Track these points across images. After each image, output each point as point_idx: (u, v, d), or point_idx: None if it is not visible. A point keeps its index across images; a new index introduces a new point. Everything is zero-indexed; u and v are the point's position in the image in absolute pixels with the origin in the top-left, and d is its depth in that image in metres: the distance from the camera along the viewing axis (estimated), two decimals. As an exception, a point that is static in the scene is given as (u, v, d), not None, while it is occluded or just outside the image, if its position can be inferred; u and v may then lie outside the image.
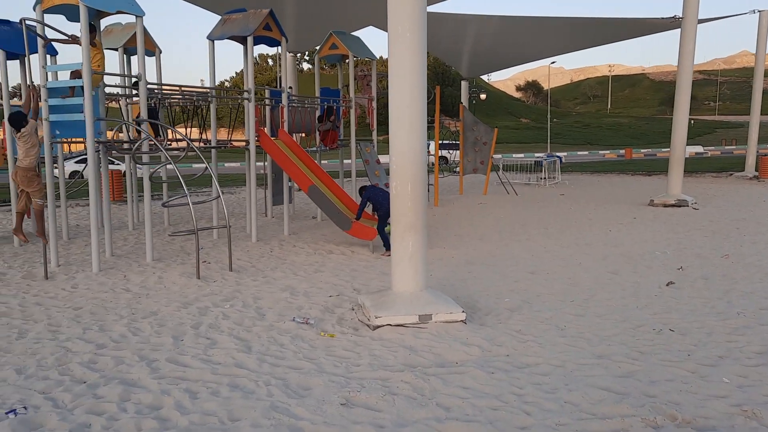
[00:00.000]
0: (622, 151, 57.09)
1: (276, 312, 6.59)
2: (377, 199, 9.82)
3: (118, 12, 8.60)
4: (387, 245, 9.82)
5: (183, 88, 10.55)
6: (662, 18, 16.76)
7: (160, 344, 5.57)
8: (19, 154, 8.39)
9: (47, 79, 8.61)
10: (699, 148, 53.53)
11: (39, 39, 8.54)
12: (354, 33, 14.79)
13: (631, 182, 24.16)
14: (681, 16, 15.85)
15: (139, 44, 8.77)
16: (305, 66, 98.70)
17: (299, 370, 4.96)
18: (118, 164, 25.83)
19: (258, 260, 9.48)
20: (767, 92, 37.27)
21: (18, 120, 8.35)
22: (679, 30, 16.80)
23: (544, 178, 23.15)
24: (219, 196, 9.06)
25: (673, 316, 6.42)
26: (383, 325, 5.96)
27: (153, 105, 10.32)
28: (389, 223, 6.70)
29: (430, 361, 5.16)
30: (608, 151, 60.72)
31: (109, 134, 8.98)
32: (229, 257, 8.74)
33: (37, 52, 8.72)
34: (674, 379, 4.76)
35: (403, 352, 5.32)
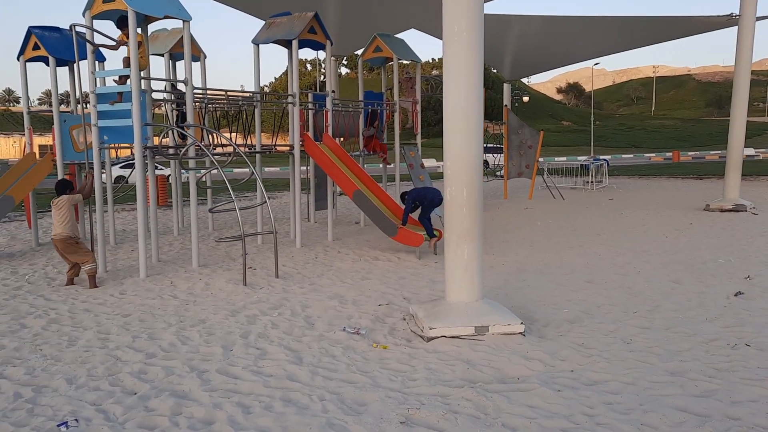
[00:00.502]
0: (668, 154, 55.58)
1: (325, 321, 6.40)
2: (422, 193, 10.04)
3: (166, 17, 8.56)
4: (430, 233, 9.96)
5: (228, 93, 10.49)
6: (717, 16, 16.09)
7: (210, 354, 5.43)
8: (54, 226, 8.00)
9: (96, 85, 8.62)
10: (750, 151, 51.70)
11: (88, 45, 8.57)
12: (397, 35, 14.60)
13: (682, 186, 23.38)
14: (738, 13, 15.19)
15: (186, 49, 8.73)
16: (342, 70, 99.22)
17: (354, 384, 4.74)
18: (161, 169, 26.18)
19: (303, 267, 9.32)
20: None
21: (62, 188, 8.13)
22: (729, 29, 16.18)
23: (591, 182, 22.55)
24: (265, 202, 8.94)
25: (747, 329, 6.00)
26: (438, 337, 5.70)
27: (183, 110, 10.31)
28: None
29: (490, 376, 4.88)
30: (654, 154, 59.18)
31: (156, 140, 8.94)
32: (275, 264, 8.59)
33: (86, 58, 8.75)
34: (758, 399, 4.39)
35: (460, 366, 5.06)
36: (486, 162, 30.16)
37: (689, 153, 59.19)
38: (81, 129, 10.09)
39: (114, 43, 8.55)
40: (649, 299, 7.19)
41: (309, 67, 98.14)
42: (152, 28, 11.22)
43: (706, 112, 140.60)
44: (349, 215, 15.69)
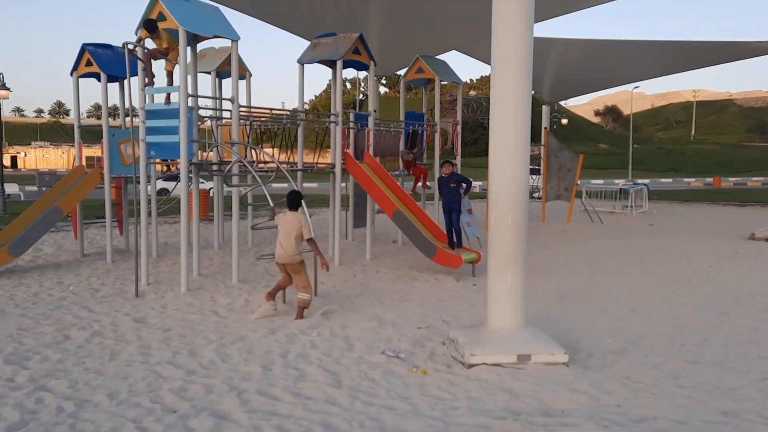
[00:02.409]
0: (709, 179, 54.35)
1: (364, 343, 6.35)
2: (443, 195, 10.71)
3: (215, 36, 8.73)
4: (457, 241, 10.38)
5: (273, 111, 10.63)
6: (761, 42, 15.76)
7: (250, 373, 5.43)
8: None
9: (145, 101, 8.81)
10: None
11: (139, 62, 8.78)
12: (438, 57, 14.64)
13: (725, 213, 22.80)
14: (788, 38, 14.85)
15: (234, 68, 8.87)
16: (381, 89, 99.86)
17: (394, 410, 4.67)
18: (202, 182, 26.57)
19: (342, 285, 9.31)
20: None
21: (295, 200, 7.41)
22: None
23: (631, 207, 22.14)
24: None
25: (802, 368, 5.75)
26: (479, 364, 5.60)
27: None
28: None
29: (533, 407, 4.76)
30: (694, 179, 57.95)
31: (203, 155, 9.11)
32: (314, 282, 8.58)
33: (136, 75, 8.96)
34: (818, 445, 4.19)
35: (502, 396, 4.95)
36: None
37: (730, 179, 57.79)
38: (129, 143, 10.31)
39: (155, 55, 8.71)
40: (697, 332, 6.96)
41: (348, 85, 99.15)
42: (200, 46, 11.46)
43: (748, 138, 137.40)
44: (387, 233, 15.66)
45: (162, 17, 8.34)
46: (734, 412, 4.72)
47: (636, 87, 55.65)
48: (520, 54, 5.53)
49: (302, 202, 7.55)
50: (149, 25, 8.34)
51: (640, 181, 42.30)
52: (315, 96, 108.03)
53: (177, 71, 8.54)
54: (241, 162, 8.71)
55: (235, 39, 8.73)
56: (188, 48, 8.96)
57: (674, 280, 10.03)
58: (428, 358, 5.90)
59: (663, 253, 12.81)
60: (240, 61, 11.72)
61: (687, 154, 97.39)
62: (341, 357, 5.92)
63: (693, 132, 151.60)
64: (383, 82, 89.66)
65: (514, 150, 5.63)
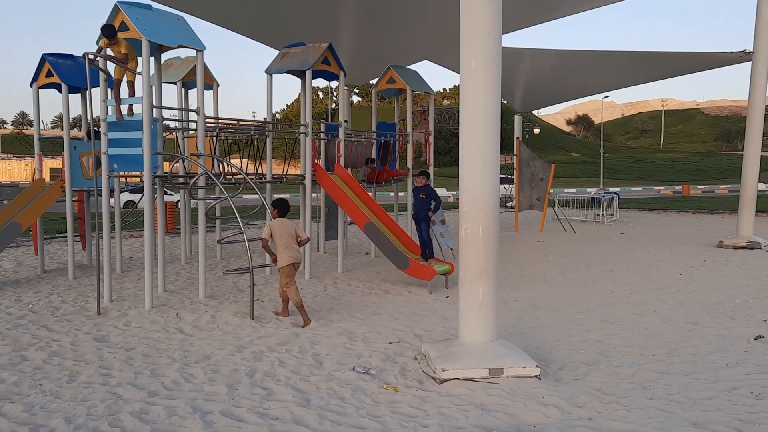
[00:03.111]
0: (678, 187, 55.31)
1: (334, 359, 6.21)
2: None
3: (180, 46, 8.56)
4: (428, 252, 10.37)
5: (240, 122, 10.45)
6: (730, 52, 16.04)
7: (214, 393, 5.25)
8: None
9: (107, 113, 8.60)
10: (761, 186, 51.39)
11: (101, 73, 8.56)
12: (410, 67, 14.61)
13: (694, 221, 23.15)
14: (752, 50, 15.14)
15: (199, 78, 8.70)
16: (354, 98, 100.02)
17: (363, 429, 4.54)
18: (171, 194, 26.17)
19: (312, 299, 9.15)
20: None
21: (286, 207, 7.90)
22: (740, 64, 16.15)
23: (602, 215, 22.35)
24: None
25: (771, 376, 5.76)
26: (451, 379, 5.50)
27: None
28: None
29: (505, 423, 4.67)
30: (663, 187, 58.93)
31: (166, 165, 8.89)
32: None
33: (98, 86, 8.74)
34: (789, 456, 4.16)
35: (474, 412, 4.85)
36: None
37: (699, 186, 58.92)
38: (91, 156, 10.05)
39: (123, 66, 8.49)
40: (667, 341, 6.96)
41: (321, 95, 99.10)
42: (165, 56, 11.26)
43: (715, 146, 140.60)
44: (360, 245, 15.55)
45: (124, 27, 8.15)
46: (703, 423, 4.69)
47: (606, 96, 56.65)
48: (489, 66, 5.48)
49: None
50: (108, 31, 8.11)
51: (611, 189, 42.83)
52: (287, 105, 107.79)
53: (140, 81, 8.32)
54: (207, 174, 8.53)
55: (200, 49, 8.57)
56: (152, 58, 8.78)
57: (645, 288, 10.08)
58: (399, 374, 5.78)
59: (634, 262, 12.90)
60: (207, 71, 11.56)
61: (656, 163, 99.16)
62: (310, 375, 5.77)
63: (662, 141, 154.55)
64: (356, 91, 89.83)
65: (483, 163, 5.57)
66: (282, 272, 7.76)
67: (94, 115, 8.58)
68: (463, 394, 5.23)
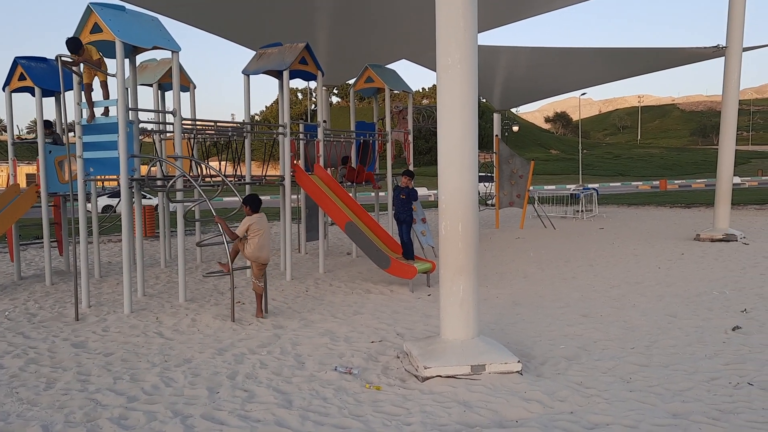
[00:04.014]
0: (656, 183, 55.99)
1: (316, 360, 6.18)
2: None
3: (155, 48, 8.46)
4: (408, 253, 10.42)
5: (218, 123, 10.37)
6: (704, 47, 16.26)
7: (195, 397, 5.19)
8: (248, 248, 7.74)
9: (81, 116, 8.48)
10: (736, 179, 52.22)
11: (74, 76, 8.44)
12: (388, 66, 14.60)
13: (671, 215, 23.43)
14: (724, 45, 15.36)
15: (175, 80, 8.61)
16: (333, 99, 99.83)
17: (346, 429, 4.52)
18: (150, 198, 25.90)
19: (294, 300, 9.11)
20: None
21: (255, 203, 7.86)
22: (714, 60, 16.39)
23: (581, 211, 22.54)
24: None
25: (748, 367, 5.83)
26: (433, 377, 5.50)
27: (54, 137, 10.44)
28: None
29: (488, 419, 4.68)
30: (641, 182, 59.62)
31: (143, 169, 8.79)
32: (265, 298, 8.36)
33: (72, 89, 8.62)
34: (766, 444, 4.22)
35: (457, 409, 4.86)
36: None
37: (675, 181, 59.68)
38: (66, 160, 9.91)
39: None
40: (647, 334, 7.03)
41: (300, 96, 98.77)
42: (141, 58, 11.14)
43: (691, 141, 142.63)
44: (341, 246, 15.52)
45: (97, 29, 8.04)
46: (683, 413, 4.74)
47: (584, 93, 57.08)
48: (465, 62, 5.48)
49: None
50: (72, 45, 7.95)
51: (590, 185, 43.22)
52: (266, 106, 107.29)
53: (114, 84, 8.22)
54: (185, 176, 8.44)
55: (175, 50, 8.49)
56: (127, 60, 8.67)
57: (624, 282, 10.17)
58: (382, 373, 5.77)
59: (613, 256, 13.02)
60: (183, 72, 11.46)
61: (634, 158, 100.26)
62: (292, 376, 5.74)
63: (639, 136, 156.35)
64: (335, 91, 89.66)
65: (461, 159, 5.57)
66: (257, 265, 7.85)
67: (69, 119, 8.46)
68: (446, 391, 5.24)
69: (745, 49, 15.60)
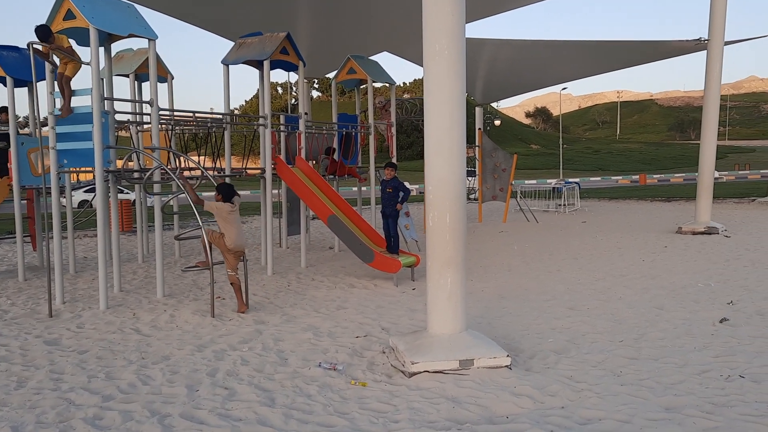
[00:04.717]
0: (635, 177, 56.47)
1: (299, 356, 6.00)
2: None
3: (130, 35, 8.19)
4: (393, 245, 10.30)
5: (196, 115, 10.11)
6: (686, 40, 16.28)
7: (173, 395, 4.99)
8: (228, 238, 7.64)
9: (54, 106, 8.18)
10: (714, 173, 52.84)
11: (47, 65, 8.14)
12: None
13: (652, 209, 23.54)
14: (706, 38, 15.38)
15: (152, 68, 8.35)
16: (314, 93, 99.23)
17: (331, 427, 4.36)
18: (128, 193, 25.47)
19: (275, 295, 8.91)
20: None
21: (228, 192, 7.77)
22: (692, 55, 16.47)
23: (564, 205, 22.56)
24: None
25: (738, 359, 5.77)
26: (420, 372, 5.36)
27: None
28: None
29: (477, 415, 4.54)
30: (621, 177, 60.10)
31: (119, 163, 8.50)
32: (245, 293, 8.16)
33: (45, 79, 8.31)
34: (762, 438, 4.13)
35: (446, 405, 4.71)
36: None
37: (654, 176, 60.24)
38: (39, 152, 9.59)
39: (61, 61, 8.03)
40: (635, 327, 6.96)
41: (280, 90, 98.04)
42: (116, 47, 10.83)
43: (669, 136, 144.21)
44: (323, 240, 15.32)
45: (71, 15, 7.75)
46: (676, 407, 4.65)
47: (564, 89, 57.39)
48: (453, 48, 5.33)
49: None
50: (42, 33, 7.65)
51: (571, 179, 43.42)
52: (246, 101, 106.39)
53: (88, 72, 7.92)
54: (162, 168, 8.20)
55: (152, 38, 8.21)
56: (101, 48, 8.40)
57: (609, 275, 10.12)
58: (367, 369, 5.61)
59: (597, 250, 12.99)
60: (160, 62, 11.17)
61: (613, 153, 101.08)
62: (274, 372, 5.55)
63: (618, 132, 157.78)
64: (316, 86, 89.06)
65: (450, 148, 5.42)
66: (237, 255, 7.78)
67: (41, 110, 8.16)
68: (434, 387, 5.10)
69: (727, 43, 15.64)
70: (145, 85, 12.09)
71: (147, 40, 8.30)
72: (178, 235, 9.00)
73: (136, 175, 9.07)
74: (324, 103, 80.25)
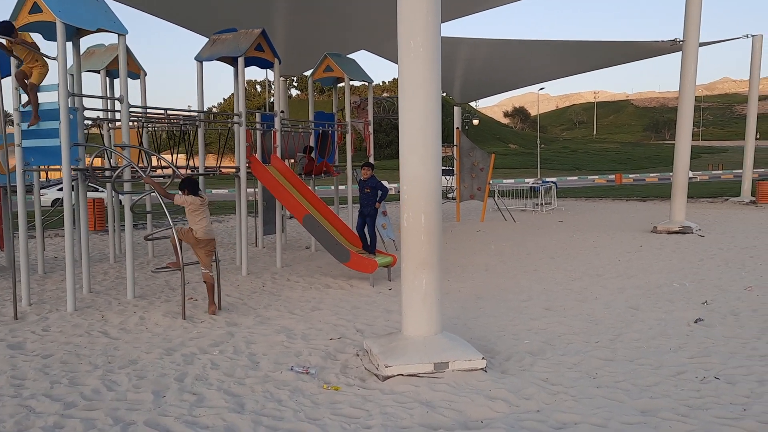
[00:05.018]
0: (611, 176, 57.00)
1: (271, 359, 5.87)
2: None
3: (99, 30, 7.97)
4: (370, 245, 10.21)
5: (169, 112, 9.89)
6: (662, 41, 16.42)
7: (139, 402, 4.83)
8: (198, 229, 7.50)
9: (20, 102, 7.94)
10: (690, 173, 53.56)
11: (12, 60, 7.89)
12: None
13: (627, 208, 23.72)
14: (682, 39, 15.51)
15: (121, 64, 8.13)
16: (293, 92, 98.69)
17: (302, 434, 4.24)
18: (102, 191, 24.99)
19: (249, 296, 8.75)
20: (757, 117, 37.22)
21: (194, 186, 7.60)
22: (667, 56, 16.58)
23: (541, 204, 22.64)
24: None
25: (713, 360, 5.76)
26: (394, 375, 5.26)
27: None
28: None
29: (452, 420, 4.46)
30: (597, 176, 60.63)
31: (89, 160, 8.26)
32: (218, 294, 7.99)
33: (10, 75, 8.06)
34: (737, 441, 4.11)
35: (419, 410, 4.62)
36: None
37: (630, 175, 60.84)
38: (4, 149, 9.31)
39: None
40: (610, 328, 6.93)
41: (258, 88, 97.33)
42: (85, 42, 10.57)
43: (644, 136, 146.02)
44: (300, 240, 15.16)
45: (37, 8, 7.51)
46: (651, 410, 4.61)
47: (542, 89, 57.58)
48: (428, 45, 5.23)
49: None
50: (4, 29, 7.39)
51: (548, 179, 43.68)
52: (223, 99, 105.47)
53: (55, 67, 7.70)
54: (133, 166, 7.99)
55: (122, 33, 7.99)
56: (70, 44, 8.17)
57: (585, 275, 10.12)
58: (341, 372, 5.50)
59: (573, 249, 13.01)
60: (132, 58, 10.93)
61: (590, 153, 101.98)
62: (245, 377, 5.42)
63: (595, 131, 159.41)
64: (294, 84, 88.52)
65: (425, 147, 5.32)
66: (210, 246, 7.64)
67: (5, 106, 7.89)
68: (408, 390, 5.00)
69: (702, 44, 15.79)
70: (117, 82, 11.82)
71: (117, 35, 8.08)
72: (148, 236, 8.78)
73: (105, 173, 8.84)
74: (303, 101, 79.81)
